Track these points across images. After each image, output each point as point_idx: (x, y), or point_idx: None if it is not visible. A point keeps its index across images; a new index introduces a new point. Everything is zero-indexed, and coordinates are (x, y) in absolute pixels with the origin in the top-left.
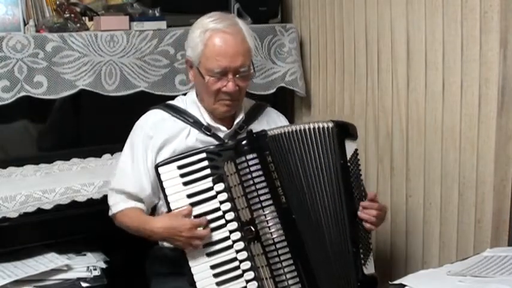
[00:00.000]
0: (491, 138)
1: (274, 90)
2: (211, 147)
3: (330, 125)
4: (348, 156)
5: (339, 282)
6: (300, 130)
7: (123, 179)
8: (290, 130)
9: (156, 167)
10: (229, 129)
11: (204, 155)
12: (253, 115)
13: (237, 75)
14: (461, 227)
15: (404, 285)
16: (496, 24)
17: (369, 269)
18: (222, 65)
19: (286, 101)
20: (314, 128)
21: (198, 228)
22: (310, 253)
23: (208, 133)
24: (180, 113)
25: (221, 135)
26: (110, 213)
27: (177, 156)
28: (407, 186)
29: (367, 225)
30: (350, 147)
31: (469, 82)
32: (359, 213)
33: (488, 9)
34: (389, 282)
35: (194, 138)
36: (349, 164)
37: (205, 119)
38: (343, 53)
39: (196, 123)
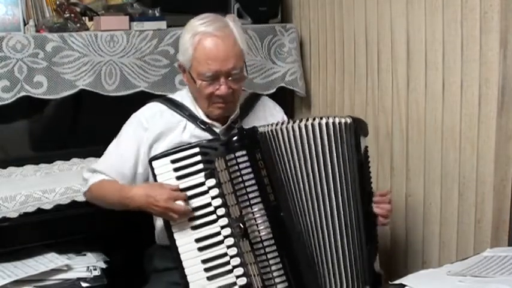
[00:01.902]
0: (491, 138)
1: (274, 90)
2: (205, 141)
3: (349, 120)
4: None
5: (353, 278)
6: (306, 125)
7: (105, 162)
8: (286, 126)
9: (150, 161)
10: (224, 125)
11: (197, 149)
12: (248, 106)
13: (230, 78)
14: (461, 227)
15: (404, 285)
16: (496, 24)
17: (376, 266)
18: (213, 69)
19: (286, 101)
20: (328, 123)
21: (177, 202)
22: (299, 251)
23: (204, 127)
24: (177, 107)
25: (216, 130)
26: (85, 188)
27: (171, 150)
28: (407, 186)
29: (382, 220)
30: (362, 143)
31: (469, 82)
32: (374, 208)
33: (488, 9)
34: (389, 282)
35: (190, 133)
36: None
37: (200, 116)
38: (343, 53)
39: (192, 117)
